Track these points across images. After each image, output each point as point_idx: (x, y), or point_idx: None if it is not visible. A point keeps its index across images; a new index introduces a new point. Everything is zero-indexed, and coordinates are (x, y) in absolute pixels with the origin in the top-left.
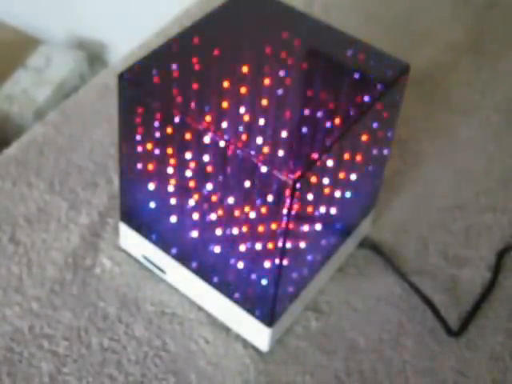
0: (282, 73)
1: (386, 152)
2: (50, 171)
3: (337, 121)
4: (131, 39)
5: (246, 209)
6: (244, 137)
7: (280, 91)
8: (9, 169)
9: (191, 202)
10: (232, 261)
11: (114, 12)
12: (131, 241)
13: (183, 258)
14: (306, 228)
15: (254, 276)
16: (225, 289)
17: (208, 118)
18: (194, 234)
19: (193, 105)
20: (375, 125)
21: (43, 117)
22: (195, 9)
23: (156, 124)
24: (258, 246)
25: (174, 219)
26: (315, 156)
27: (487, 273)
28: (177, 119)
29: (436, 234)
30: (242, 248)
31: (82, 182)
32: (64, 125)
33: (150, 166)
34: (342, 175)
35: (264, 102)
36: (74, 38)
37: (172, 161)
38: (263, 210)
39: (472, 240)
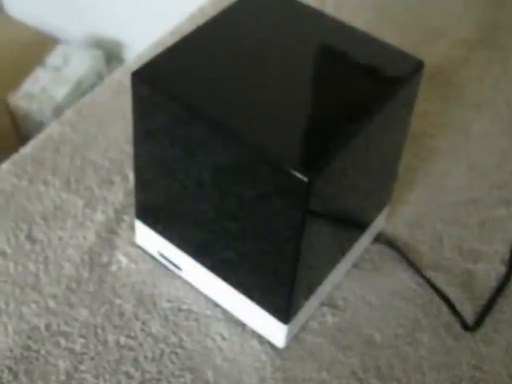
0: (296, 70)
1: (400, 148)
2: (66, 169)
3: (351, 118)
4: (148, 38)
5: (261, 205)
6: (259, 134)
7: (295, 89)
8: (25, 167)
9: (206, 199)
10: (248, 258)
11: (131, 11)
12: (147, 238)
13: (199, 255)
14: (321, 224)
15: (269, 273)
16: (241, 285)
17: (222, 115)
18: (209, 230)
19: (207, 102)
20: (390, 121)
21: (62, 114)
22: (209, 7)
23: (170, 121)
24: (274, 243)
25: (189, 216)
26: (330, 153)
27: (502, 267)
28: (191, 116)
29: (450, 229)
30: (258, 245)
31: (98, 180)
32: (80, 123)
33: (165, 163)
34: (357, 171)
35: (279, 99)
36: (91, 38)
37: (186, 158)
38: (279, 206)
39: (486, 234)
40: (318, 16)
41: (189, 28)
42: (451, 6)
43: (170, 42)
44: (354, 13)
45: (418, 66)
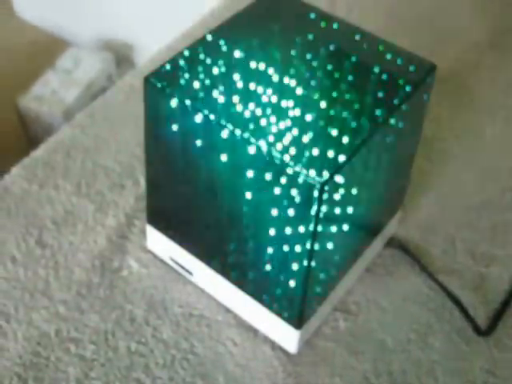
0: (308, 74)
1: (412, 152)
2: (76, 173)
3: (363, 122)
4: (158, 41)
5: (273, 211)
6: (271, 138)
7: (306, 92)
8: (36, 171)
9: (218, 204)
10: (259, 263)
11: (141, 14)
12: (158, 243)
13: (210, 260)
14: (333, 229)
15: (282, 278)
16: (253, 291)
17: (234, 120)
18: (221, 235)
19: (219, 106)
20: (402, 125)
21: (72, 117)
22: (221, 10)
23: (182, 126)
24: (286, 248)
25: (200, 221)
26: (343, 157)
27: None
28: (203, 121)
29: (463, 233)
30: (270, 250)
31: (109, 184)
32: (91, 126)
33: (177, 168)
34: (369, 176)
35: (291, 103)
36: (101, 40)
37: (198, 163)
38: (290, 211)
39: (499, 238)
40: (329, 19)
41: (200, 31)
42: (462, 9)
43: (182, 45)
44: (365, 16)
45: (430, 70)
